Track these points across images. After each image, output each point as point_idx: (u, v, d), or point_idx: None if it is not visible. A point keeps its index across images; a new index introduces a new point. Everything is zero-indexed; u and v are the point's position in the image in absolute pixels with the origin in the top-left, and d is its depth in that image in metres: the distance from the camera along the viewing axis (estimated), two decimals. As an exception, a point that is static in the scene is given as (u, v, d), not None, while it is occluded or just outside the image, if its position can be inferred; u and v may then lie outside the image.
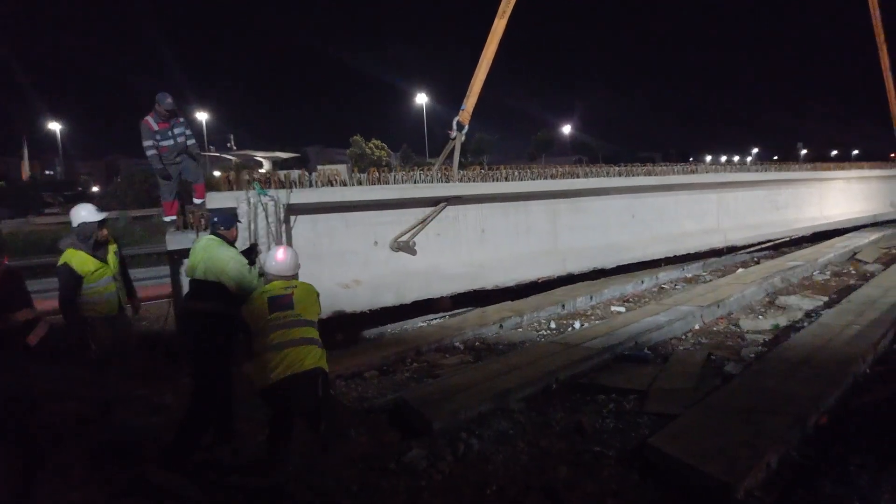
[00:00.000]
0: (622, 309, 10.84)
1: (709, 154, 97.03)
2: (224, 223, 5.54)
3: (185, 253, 8.05)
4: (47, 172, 75.77)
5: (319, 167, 10.02)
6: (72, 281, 5.51)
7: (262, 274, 5.23)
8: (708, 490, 4.17)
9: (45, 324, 4.15)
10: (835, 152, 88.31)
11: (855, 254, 15.51)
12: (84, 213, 5.74)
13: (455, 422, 5.63)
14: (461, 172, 10.68)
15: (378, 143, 56.95)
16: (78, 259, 5.59)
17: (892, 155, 24.90)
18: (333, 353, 5.74)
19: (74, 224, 5.74)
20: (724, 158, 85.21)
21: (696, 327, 9.17)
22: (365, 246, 9.26)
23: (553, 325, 9.85)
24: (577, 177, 12.26)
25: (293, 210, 8.29)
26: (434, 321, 10.39)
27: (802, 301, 10.46)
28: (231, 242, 5.48)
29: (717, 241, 15.14)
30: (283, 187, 8.18)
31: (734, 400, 5.64)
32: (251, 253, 5.75)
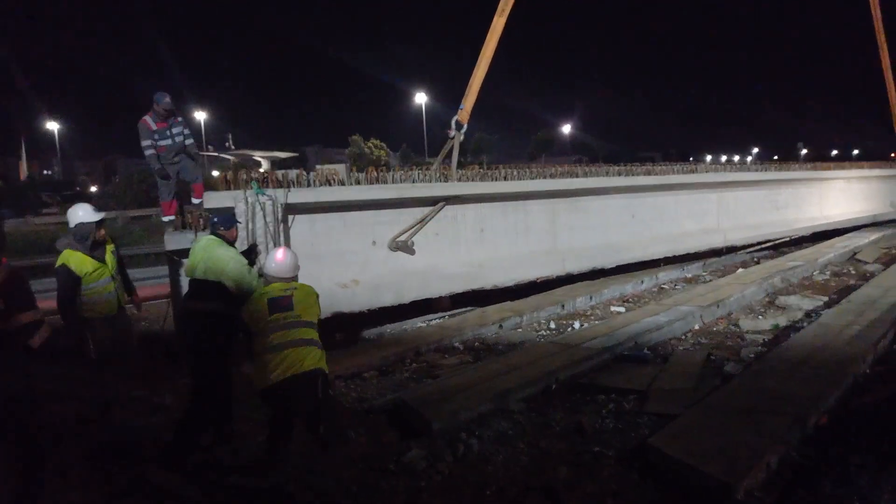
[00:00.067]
0: (622, 309, 10.84)
1: (709, 154, 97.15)
2: (224, 223, 5.56)
3: (183, 253, 8.05)
4: (45, 172, 75.78)
5: (318, 167, 10.00)
6: (70, 282, 5.50)
7: (261, 275, 5.24)
8: (708, 490, 4.17)
9: (48, 326, 4.16)
10: (835, 152, 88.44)
11: (855, 254, 15.52)
12: (81, 214, 5.73)
13: (455, 422, 5.63)
14: (460, 172, 10.66)
15: (377, 142, 56.91)
16: (76, 260, 5.58)
17: (893, 155, 24.92)
18: (333, 353, 5.73)
19: (72, 224, 5.73)
20: (724, 158, 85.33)
21: (696, 327, 9.17)
22: (363, 246, 9.25)
23: (553, 326, 9.85)
24: (577, 176, 12.23)
25: (291, 210, 8.28)
26: (433, 321, 10.38)
27: (802, 301, 10.46)
28: (231, 243, 5.50)
29: (717, 241, 15.14)
30: (281, 187, 8.17)
31: (734, 400, 5.64)
32: (251, 253, 5.77)
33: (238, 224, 6.22)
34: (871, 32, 21.72)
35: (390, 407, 6.25)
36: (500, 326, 9.57)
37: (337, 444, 5.22)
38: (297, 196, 8.27)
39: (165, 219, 8.75)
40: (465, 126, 11.01)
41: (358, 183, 9.22)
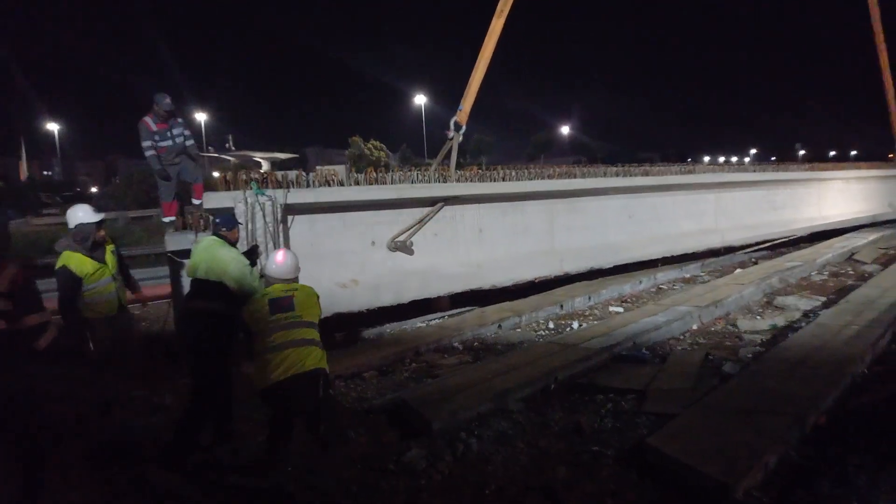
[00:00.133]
0: (620, 309, 10.86)
1: (707, 155, 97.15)
2: (226, 224, 5.61)
3: (184, 253, 8.07)
4: (45, 173, 75.80)
5: (318, 168, 10.03)
6: (71, 283, 5.51)
7: (262, 276, 5.27)
8: (706, 490, 4.18)
9: (54, 328, 4.18)
10: (833, 153, 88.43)
11: (853, 254, 15.53)
12: (81, 215, 5.74)
13: (454, 422, 5.64)
14: (458, 173, 10.68)
15: (377, 143, 56.91)
16: (76, 261, 5.59)
17: (891, 155, 24.90)
18: (332, 353, 5.75)
19: (71, 225, 5.74)
20: (721, 159, 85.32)
21: (695, 327, 9.18)
22: (362, 246, 9.27)
23: (551, 326, 9.86)
24: (575, 177, 12.24)
25: (290, 210, 8.29)
26: (433, 321, 10.40)
27: (800, 301, 10.48)
28: (233, 243, 5.54)
29: (715, 242, 15.16)
30: (281, 187, 8.18)
31: (732, 400, 5.65)
32: (252, 254, 5.79)
33: (239, 225, 6.25)
34: (870, 33, 21.78)
35: (390, 407, 6.26)
36: (500, 326, 9.59)
37: (337, 444, 5.23)
38: (297, 196, 8.28)
39: (166, 219, 8.77)
40: (464, 127, 11.04)
41: (357, 183, 9.24)
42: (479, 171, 11.06)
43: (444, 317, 10.62)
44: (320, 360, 4.75)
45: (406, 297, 9.58)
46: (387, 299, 9.38)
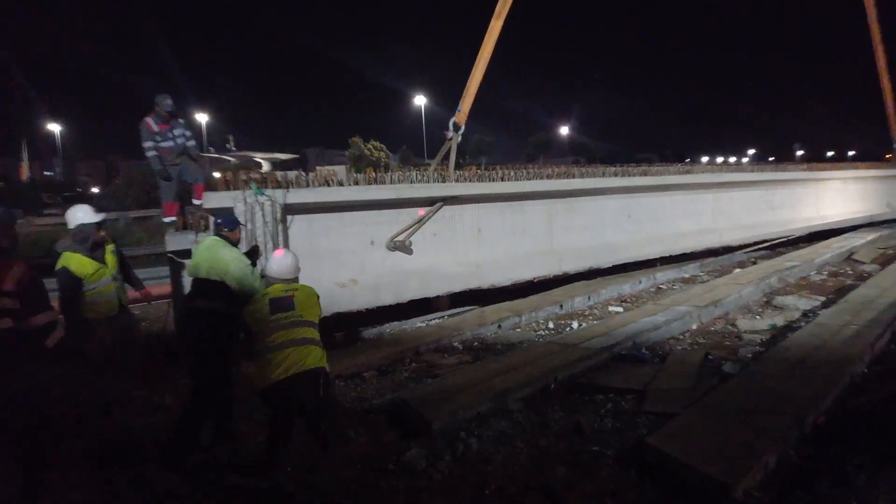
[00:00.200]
0: (620, 309, 10.87)
1: (706, 155, 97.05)
2: (227, 225, 5.65)
3: (184, 254, 8.08)
4: (46, 173, 75.69)
5: (318, 168, 10.04)
6: (71, 284, 5.52)
7: (262, 276, 5.29)
8: (706, 490, 4.18)
9: (61, 327, 4.20)
10: (831, 153, 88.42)
11: (852, 254, 15.55)
12: (81, 215, 5.74)
13: (454, 422, 5.65)
14: (457, 173, 10.69)
15: (377, 144, 56.92)
16: (76, 262, 5.60)
17: (888, 156, 24.92)
18: (332, 353, 5.76)
19: (71, 226, 5.74)
20: (720, 159, 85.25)
21: (694, 327, 9.19)
22: (362, 246, 9.28)
23: (551, 325, 9.87)
24: (573, 177, 12.26)
25: (290, 210, 8.30)
26: (432, 321, 10.41)
27: (799, 301, 10.49)
28: (234, 244, 5.57)
29: (713, 241, 15.17)
30: (280, 187, 8.19)
31: (732, 400, 5.66)
32: (253, 255, 5.81)
33: (240, 226, 6.27)
34: (868, 33, 21.80)
35: (390, 406, 6.27)
36: (499, 326, 9.59)
37: (337, 444, 5.24)
38: (296, 196, 8.29)
39: (167, 220, 8.79)
40: (463, 127, 11.07)
41: (356, 183, 9.25)
42: (478, 171, 11.08)
43: (443, 317, 10.63)
44: (320, 360, 4.76)
45: (405, 296, 9.59)
46: (386, 299, 9.38)
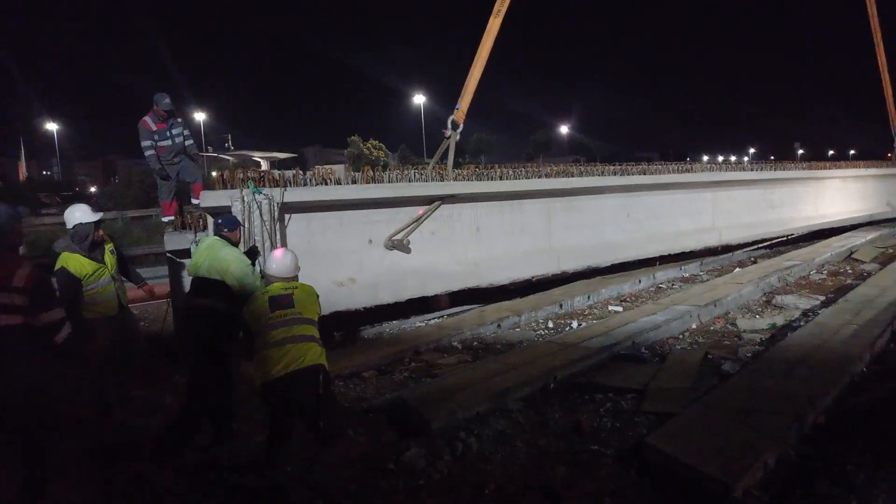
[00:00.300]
0: (619, 308, 10.86)
1: (706, 154, 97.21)
2: (228, 225, 5.67)
3: (183, 253, 8.08)
4: (45, 173, 75.69)
5: (316, 167, 10.05)
6: (70, 284, 5.50)
7: (262, 275, 5.30)
8: (706, 489, 4.18)
9: (69, 325, 4.21)
10: (831, 152, 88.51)
11: (852, 253, 15.55)
12: (79, 215, 5.72)
13: (453, 421, 5.64)
14: (456, 171, 10.69)
15: (376, 143, 56.97)
16: (75, 262, 5.58)
17: (889, 155, 24.90)
18: (331, 352, 5.75)
19: (69, 226, 5.71)
20: (721, 159, 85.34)
21: (694, 327, 9.19)
22: (360, 244, 9.27)
23: (551, 325, 9.87)
24: (572, 176, 12.27)
25: (287, 209, 8.29)
26: (432, 321, 10.41)
27: (799, 300, 10.49)
28: (234, 244, 5.58)
29: (713, 240, 15.17)
30: (278, 186, 8.18)
31: (731, 399, 5.66)
32: (252, 255, 5.82)
33: (240, 226, 6.28)
34: (869, 32, 21.81)
35: (389, 406, 6.27)
36: (499, 326, 9.59)
37: (336, 441, 5.25)
38: (294, 195, 8.28)
39: (165, 219, 8.79)
40: (462, 126, 11.06)
41: (354, 182, 9.24)
42: (477, 169, 11.08)
43: (443, 316, 10.62)
44: (320, 357, 4.76)
45: (404, 295, 9.59)
46: (385, 298, 9.38)
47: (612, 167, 13.57)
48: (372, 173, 9.54)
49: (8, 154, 72.00)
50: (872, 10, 21.38)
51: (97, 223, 5.79)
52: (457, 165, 11.14)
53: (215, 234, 5.65)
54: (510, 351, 8.12)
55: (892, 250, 16.06)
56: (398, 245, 9.43)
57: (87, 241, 5.68)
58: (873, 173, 21.62)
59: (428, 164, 11.09)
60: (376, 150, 56.02)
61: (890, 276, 11.50)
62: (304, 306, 4.89)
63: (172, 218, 8.69)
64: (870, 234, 18.30)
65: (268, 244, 7.72)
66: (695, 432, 4.93)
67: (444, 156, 11.03)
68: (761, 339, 8.38)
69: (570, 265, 11.97)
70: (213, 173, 10.12)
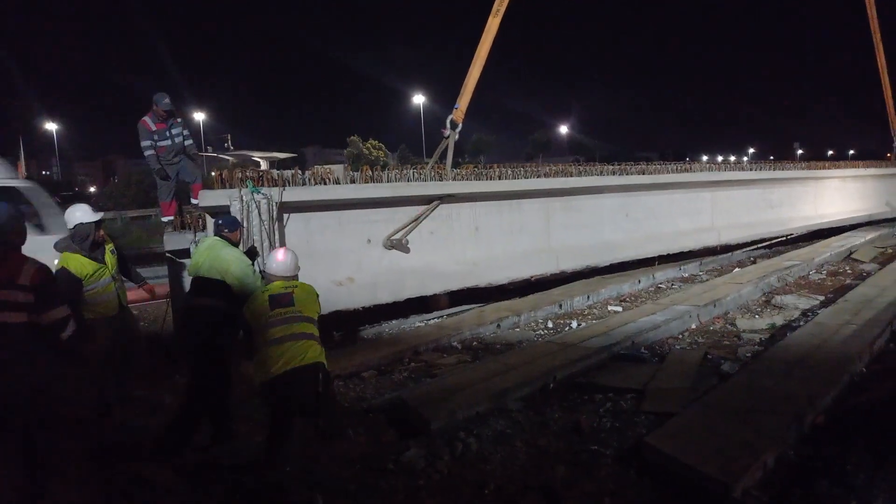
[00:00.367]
0: (619, 308, 10.87)
1: (706, 154, 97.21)
2: (228, 226, 5.69)
3: (183, 253, 8.07)
4: (44, 173, 75.59)
5: (315, 166, 10.05)
6: (71, 284, 5.49)
7: (262, 275, 5.31)
8: (705, 489, 4.18)
9: (73, 322, 4.23)
10: (831, 152, 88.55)
11: (851, 253, 15.55)
12: (79, 215, 5.71)
13: (453, 421, 5.65)
14: (455, 171, 10.70)
15: (375, 143, 57.02)
16: (76, 263, 5.57)
17: (889, 155, 24.92)
18: (331, 352, 5.75)
19: (70, 226, 5.70)
20: (720, 158, 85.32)
21: (693, 326, 9.19)
22: (358, 244, 9.27)
23: (550, 325, 9.87)
24: (571, 176, 12.28)
25: (286, 208, 8.29)
26: (431, 321, 10.41)
27: (799, 300, 10.50)
28: (234, 244, 5.58)
29: (712, 240, 15.17)
30: (276, 185, 8.19)
31: (731, 399, 5.66)
32: (251, 255, 5.83)
33: (241, 227, 6.30)
34: (868, 33, 21.82)
35: (389, 406, 6.27)
36: (498, 326, 9.59)
37: (336, 441, 5.25)
38: (292, 195, 8.28)
39: (165, 219, 8.79)
40: (460, 125, 11.07)
41: (353, 182, 9.24)
42: (476, 169, 11.08)
43: (442, 316, 10.62)
44: (319, 355, 4.78)
45: (403, 294, 9.59)
46: (383, 297, 9.38)
47: (610, 167, 13.58)
48: (370, 173, 9.54)
49: (7, 154, 71.81)
50: (872, 11, 21.39)
51: (98, 223, 5.78)
52: (456, 165, 11.14)
53: (216, 235, 5.65)
54: (510, 351, 8.12)
55: (891, 250, 16.07)
56: (397, 245, 9.43)
57: (88, 241, 5.67)
58: (872, 173, 21.62)
59: (427, 163, 11.10)
60: (376, 150, 56.08)
61: (889, 276, 11.51)
62: (304, 305, 4.91)
63: (172, 218, 8.69)
64: (869, 234, 18.30)
65: (266, 244, 7.72)
66: (694, 432, 4.93)
67: (443, 155, 11.03)
68: (761, 339, 8.39)
69: (569, 265, 11.97)
70: (213, 173, 10.14)
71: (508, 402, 6.12)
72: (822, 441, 4.95)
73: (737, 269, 13.99)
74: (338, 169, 9.41)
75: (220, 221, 5.73)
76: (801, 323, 8.95)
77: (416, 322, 10.31)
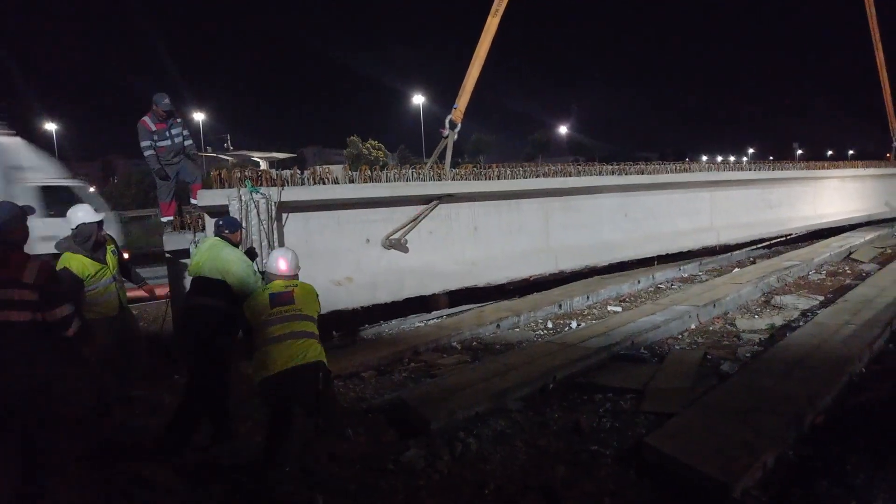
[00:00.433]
0: (619, 308, 10.87)
1: (706, 154, 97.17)
2: (229, 227, 5.69)
3: (182, 253, 8.07)
4: (43, 173, 75.36)
5: (314, 166, 10.07)
6: (72, 284, 5.49)
7: (262, 275, 5.32)
8: (705, 489, 4.18)
9: (78, 319, 4.24)
10: (830, 152, 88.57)
11: (851, 253, 15.56)
12: (81, 215, 5.71)
13: (453, 421, 5.64)
14: (454, 171, 10.71)
15: (375, 143, 57.00)
16: (77, 263, 5.57)
17: (888, 155, 24.94)
18: (331, 352, 5.75)
19: (72, 226, 5.70)
20: (719, 158, 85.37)
21: (693, 327, 9.19)
22: (357, 244, 9.28)
23: (550, 325, 9.87)
24: (570, 175, 12.29)
25: (285, 208, 8.29)
26: (431, 321, 10.41)
27: (798, 300, 10.50)
28: (235, 246, 5.59)
29: (711, 240, 15.19)
30: (275, 185, 8.19)
31: (730, 399, 5.66)
32: (250, 256, 5.83)
33: (241, 228, 6.30)
34: (868, 32, 21.85)
35: (389, 406, 6.27)
36: (498, 326, 9.59)
37: (335, 439, 5.25)
38: (291, 194, 8.28)
39: (164, 219, 8.77)
40: (459, 125, 11.08)
41: (352, 181, 9.25)
42: (474, 169, 11.09)
43: (442, 316, 10.63)
44: (320, 354, 4.79)
45: (402, 294, 9.60)
46: (382, 297, 9.39)
47: (609, 167, 13.59)
48: (369, 173, 9.54)
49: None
50: (871, 10, 21.42)
51: (100, 223, 5.78)
52: (455, 165, 11.16)
53: (216, 235, 5.65)
54: (509, 351, 8.12)
55: (890, 250, 16.08)
56: (396, 244, 9.44)
57: (90, 241, 5.66)
58: (872, 173, 21.65)
59: (426, 164, 11.11)
60: (375, 150, 56.07)
61: (889, 277, 11.51)
62: (305, 303, 4.92)
63: (171, 218, 8.68)
64: (868, 235, 18.32)
65: (265, 243, 7.72)
66: (694, 432, 4.93)
67: (442, 155, 11.05)
68: (760, 339, 8.39)
69: (568, 265, 11.98)
70: (212, 173, 10.15)
71: (508, 403, 6.12)
72: (822, 441, 4.94)
73: (736, 270, 13.99)
74: (337, 169, 9.42)
75: (221, 222, 5.73)
76: (801, 323, 8.95)
77: (416, 322, 10.32)
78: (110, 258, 5.89)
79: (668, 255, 14.34)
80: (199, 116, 58.64)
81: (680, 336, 8.77)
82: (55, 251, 5.67)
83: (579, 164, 14.21)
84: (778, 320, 9.34)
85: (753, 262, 15.29)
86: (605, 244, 12.70)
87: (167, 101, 8.39)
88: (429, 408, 5.83)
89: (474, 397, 6.08)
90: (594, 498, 4.34)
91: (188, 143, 8.78)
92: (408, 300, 9.85)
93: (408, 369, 7.81)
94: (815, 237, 18.43)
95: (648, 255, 13.66)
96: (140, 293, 6.71)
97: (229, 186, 8.00)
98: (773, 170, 17.90)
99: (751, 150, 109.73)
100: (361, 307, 9.24)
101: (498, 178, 10.93)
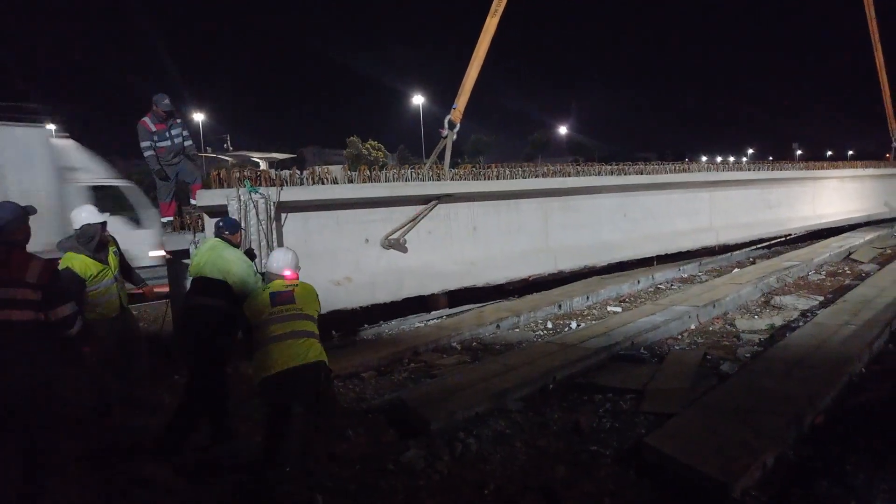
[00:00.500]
0: (618, 309, 10.87)
1: (705, 155, 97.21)
2: (229, 228, 5.69)
3: (182, 254, 8.07)
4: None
5: (314, 166, 10.08)
6: (74, 285, 5.49)
7: (262, 275, 5.32)
8: (704, 489, 4.18)
9: (81, 318, 4.24)
10: (830, 152, 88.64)
11: (850, 254, 15.57)
12: (85, 215, 5.71)
13: (453, 422, 5.65)
14: (453, 171, 10.72)
15: (375, 143, 56.98)
16: (80, 263, 5.57)
17: (888, 155, 24.95)
18: (331, 353, 5.74)
19: (76, 226, 5.70)
20: (719, 159, 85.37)
21: (692, 327, 9.20)
22: (356, 244, 9.29)
23: (550, 325, 9.87)
24: (569, 175, 12.30)
25: (284, 208, 8.29)
26: (431, 321, 10.41)
27: (798, 301, 10.50)
28: (235, 246, 5.59)
29: (710, 240, 15.20)
30: (274, 185, 8.19)
31: (730, 399, 5.66)
32: (249, 256, 5.84)
33: (242, 230, 6.30)
34: (867, 32, 21.86)
35: (389, 407, 6.27)
36: (498, 326, 9.60)
37: (335, 439, 5.25)
38: (290, 194, 8.28)
39: (164, 220, 8.77)
40: (458, 125, 11.08)
41: (351, 181, 9.25)
42: (473, 169, 11.10)
43: (441, 317, 10.63)
44: (320, 354, 4.78)
45: (401, 294, 9.61)
46: (382, 296, 9.40)
47: (608, 167, 13.60)
48: (368, 173, 9.55)
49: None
50: (871, 11, 21.43)
51: (103, 224, 5.78)
52: (455, 165, 11.16)
53: (216, 236, 5.65)
54: (509, 351, 8.12)
55: (890, 251, 16.09)
56: (395, 244, 9.44)
57: (94, 241, 5.66)
58: (871, 173, 21.66)
59: (426, 164, 11.11)
60: (375, 150, 56.06)
61: (888, 277, 11.52)
62: (305, 303, 4.92)
63: (171, 218, 8.69)
64: (868, 235, 18.33)
65: (264, 243, 7.73)
66: (693, 432, 4.94)
67: (441, 155, 11.05)
68: (760, 339, 8.39)
69: (567, 265, 11.99)
70: (212, 173, 10.16)
71: (508, 403, 6.12)
72: (822, 441, 4.95)
73: (736, 270, 13.99)
74: (336, 169, 9.43)
75: (221, 223, 5.73)
76: (801, 323, 8.96)
77: (416, 322, 10.32)
78: (112, 259, 5.89)
79: (667, 255, 14.35)
80: (198, 117, 58.63)
81: (680, 336, 8.77)
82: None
83: (578, 165, 14.22)
84: (778, 321, 9.34)
85: (753, 263, 15.30)
86: (604, 244, 12.71)
87: (167, 101, 8.39)
88: (429, 408, 5.83)
89: (474, 398, 6.08)
90: (594, 498, 4.35)
91: (188, 143, 8.78)
92: (407, 300, 9.86)
93: (408, 370, 7.81)
94: (814, 237, 18.44)
95: (648, 256, 13.68)
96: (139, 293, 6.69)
97: (228, 186, 8.00)
98: (773, 170, 17.91)
99: (750, 151, 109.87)
100: (361, 307, 9.24)
101: (497, 179, 10.95)
